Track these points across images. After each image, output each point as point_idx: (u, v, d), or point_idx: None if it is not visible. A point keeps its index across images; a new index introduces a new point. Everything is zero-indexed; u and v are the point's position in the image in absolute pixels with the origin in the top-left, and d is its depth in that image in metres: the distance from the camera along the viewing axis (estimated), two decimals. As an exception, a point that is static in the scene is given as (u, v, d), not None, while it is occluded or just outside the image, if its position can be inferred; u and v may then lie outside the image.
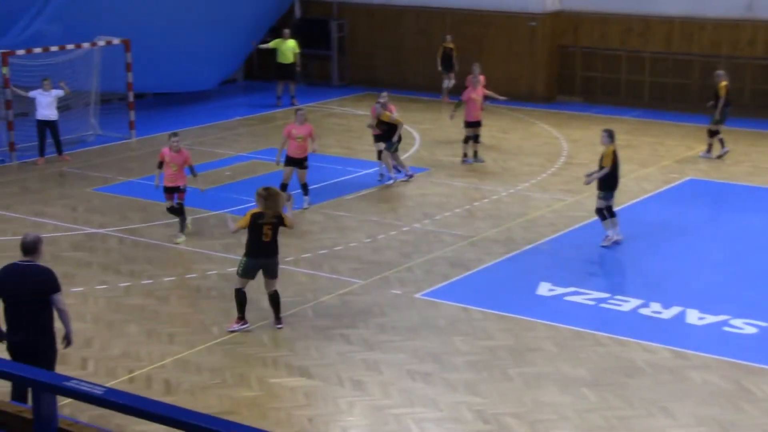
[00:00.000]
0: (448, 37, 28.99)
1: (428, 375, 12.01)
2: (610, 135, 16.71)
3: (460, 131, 22.83)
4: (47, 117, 21.66)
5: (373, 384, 11.77)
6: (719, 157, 22.41)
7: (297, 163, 18.46)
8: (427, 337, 13.15)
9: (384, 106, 20.40)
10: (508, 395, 11.53)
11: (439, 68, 28.85)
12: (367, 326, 13.46)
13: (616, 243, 16.76)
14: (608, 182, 16.58)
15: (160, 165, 16.75)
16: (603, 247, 16.63)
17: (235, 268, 13.62)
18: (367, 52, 31.33)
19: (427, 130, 25.60)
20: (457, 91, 28.61)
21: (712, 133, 22.59)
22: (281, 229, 13.18)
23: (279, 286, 13.40)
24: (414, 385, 11.78)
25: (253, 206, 13.41)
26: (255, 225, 12.97)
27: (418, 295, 14.59)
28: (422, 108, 28.22)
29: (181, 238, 16.80)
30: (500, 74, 28.77)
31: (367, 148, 23.32)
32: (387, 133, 20.23)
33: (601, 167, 16.56)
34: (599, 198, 16.73)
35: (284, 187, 18.34)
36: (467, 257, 16.20)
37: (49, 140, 21.89)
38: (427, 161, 22.36)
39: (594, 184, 16.88)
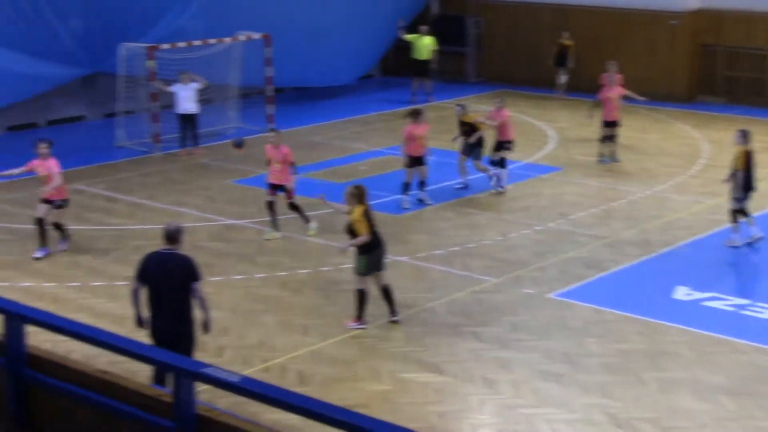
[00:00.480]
0: (565, 34, 28.72)
1: (560, 376, 11.88)
2: (743, 135, 16.31)
3: (595, 130, 22.51)
4: (187, 110, 22.19)
5: (505, 382, 11.70)
6: None
7: (419, 161, 18.49)
8: (560, 337, 13.01)
9: (464, 108, 19.85)
10: (642, 399, 11.31)
11: (552, 64, 28.65)
12: (499, 324, 13.39)
13: (750, 245, 16.35)
14: (743, 184, 16.15)
15: (269, 162, 16.82)
16: (730, 247, 16.32)
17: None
18: (503, 49, 31.17)
19: (562, 128, 25.31)
20: (571, 88, 28.38)
21: None
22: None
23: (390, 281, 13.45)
24: (546, 385, 11.66)
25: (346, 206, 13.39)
26: (369, 222, 13.01)
27: (551, 295, 14.44)
28: (558, 106, 27.92)
29: (313, 230, 16.87)
30: (638, 73, 28.25)
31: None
32: (467, 135, 19.49)
33: (736, 169, 16.16)
34: (732, 199, 16.32)
35: (407, 186, 18.43)
36: (602, 258, 15.96)
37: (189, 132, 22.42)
38: (562, 160, 22.12)
39: (730, 185, 16.48)
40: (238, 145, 14.07)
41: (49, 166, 15.47)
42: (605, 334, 13.11)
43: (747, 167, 16.16)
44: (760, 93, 27.63)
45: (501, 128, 19.55)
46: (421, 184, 18.79)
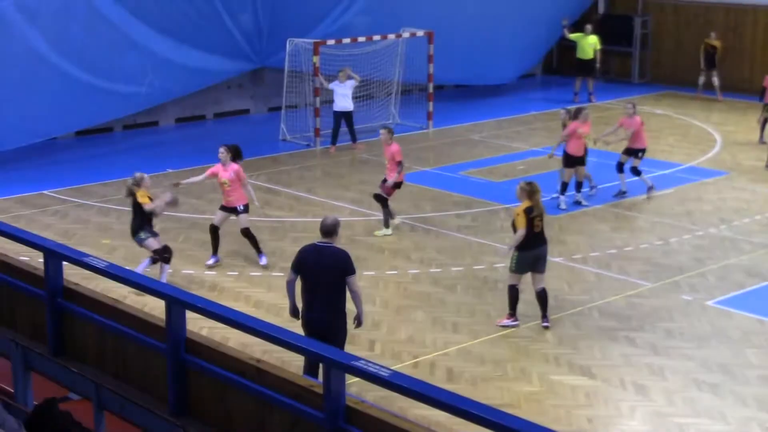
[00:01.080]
0: (713, 34, 27.82)
1: (716, 386, 11.58)
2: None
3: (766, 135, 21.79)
4: (343, 108, 22.42)
5: (657, 390, 11.48)
6: None
7: (579, 161, 18.27)
8: (718, 346, 12.67)
9: (570, 113, 18.86)
10: (802, 415, 10.92)
11: (702, 65, 27.78)
12: (654, 330, 13.13)
13: None
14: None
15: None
16: None
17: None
18: (671, 49, 30.46)
19: (729, 132, 24.58)
20: (743, 90, 27.42)
21: None
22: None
23: (546, 283, 13.30)
24: (700, 395, 11.38)
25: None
26: (529, 219, 12.97)
27: (710, 303, 14.07)
28: (725, 109, 27.13)
29: (382, 232, 16.85)
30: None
31: (665, 147, 22.71)
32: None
33: None
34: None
35: (565, 186, 18.23)
36: (765, 267, 15.44)
37: (344, 128, 22.70)
38: (728, 164, 21.49)
39: None
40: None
41: (230, 172, 15.12)
42: (766, 345, 12.70)
43: None
44: None
45: (634, 136, 18.93)
46: (578, 186, 18.57)
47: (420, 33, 24.52)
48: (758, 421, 10.77)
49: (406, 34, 24.52)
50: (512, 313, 13.28)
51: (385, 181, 16.89)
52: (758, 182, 20.16)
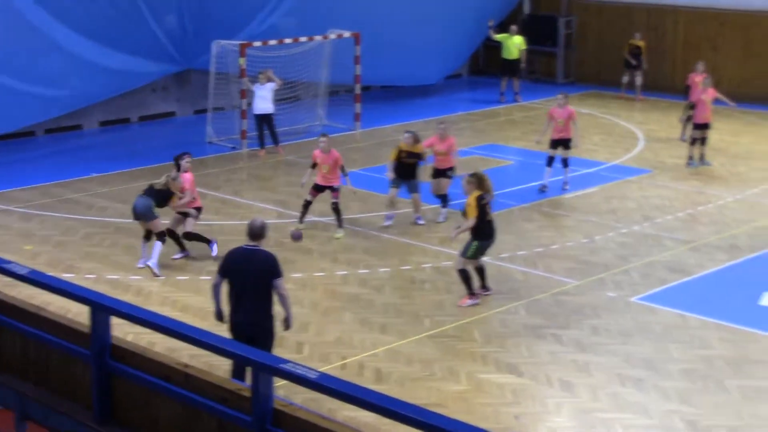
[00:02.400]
0: (637, 35, 28.31)
1: (640, 381, 11.77)
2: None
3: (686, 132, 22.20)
4: (262, 110, 22.18)
5: (583, 386, 11.64)
6: None
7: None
8: (641, 342, 12.89)
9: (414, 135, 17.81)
10: (723, 407, 11.15)
11: (630, 64, 28.24)
12: (579, 327, 13.31)
13: None
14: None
15: (314, 166, 16.88)
16: None
17: (449, 263, 13.77)
18: (594, 49, 30.88)
19: (651, 130, 25.00)
20: (667, 90, 27.85)
21: None
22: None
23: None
24: (624, 390, 11.57)
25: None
26: (481, 207, 13.49)
27: (633, 299, 14.30)
28: (648, 108, 27.58)
29: (341, 233, 16.89)
30: (733, 74, 27.77)
31: (590, 146, 23.01)
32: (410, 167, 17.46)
33: None
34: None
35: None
36: (687, 262, 15.75)
37: (267, 131, 22.56)
38: (651, 162, 21.85)
39: None
40: (297, 238, 14.55)
41: (183, 181, 15.39)
42: (688, 339, 12.95)
43: None
44: None
45: (565, 126, 19.28)
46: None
47: (347, 34, 24.54)
48: (680, 415, 10.98)
49: (332, 36, 24.52)
50: (471, 292, 13.75)
51: (331, 188, 16.82)
52: (680, 180, 20.54)
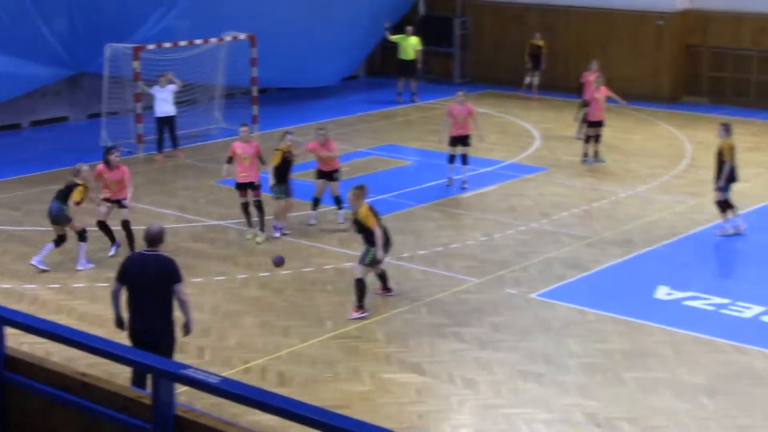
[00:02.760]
0: (537, 35, 28.78)
1: (540, 376, 11.94)
2: (726, 129, 16.81)
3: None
4: (164, 113, 21.98)
5: (485, 383, 11.75)
6: None
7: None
8: (541, 337, 13.07)
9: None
10: (621, 399, 11.38)
11: (527, 65, 28.65)
12: (480, 325, 13.44)
13: (738, 234, 16.60)
14: (729, 176, 16.67)
15: (230, 160, 16.68)
16: (719, 235, 16.92)
17: (350, 264, 13.79)
18: (490, 49, 31.23)
19: (547, 129, 25.38)
20: (560, 89, 28.33)
21: None
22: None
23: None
24: (525, 385, 11.72)
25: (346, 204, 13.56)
26: (375, 214, 13.59)
27: (533, 295, 14.50)
28: (543, 106, 28.00)
29: (261, 237, 16.74)
30: (623, 73, 28.39)
31: (487, 145, 23.24)
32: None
33: (722, 162, 16.42)
34: (717, 191, 16.77)
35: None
36: (584, 258, 16.03)
37: (168, 134, 22.30)
38: (547, 160, 22.18)
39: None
40: (279, 263, 14.32)
41: (122, 173, 15.86)
42: (586, 334, 13.18)
43: (733, 159, 16.53)
44: (745, 93, 27.76)
45: (464, 123, 19.56)
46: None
47: (242, 36, 24.37)
48: (580, 408, 11.16)
49: (228, 38, 24.32)
50: (360, 305, 13.59)
51: (249, 184, 16.63)
52: (575, 177, 20.89)
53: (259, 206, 16.71)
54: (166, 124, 22.08)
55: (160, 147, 22.30)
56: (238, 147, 16.66)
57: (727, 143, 16.70)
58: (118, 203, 15.82)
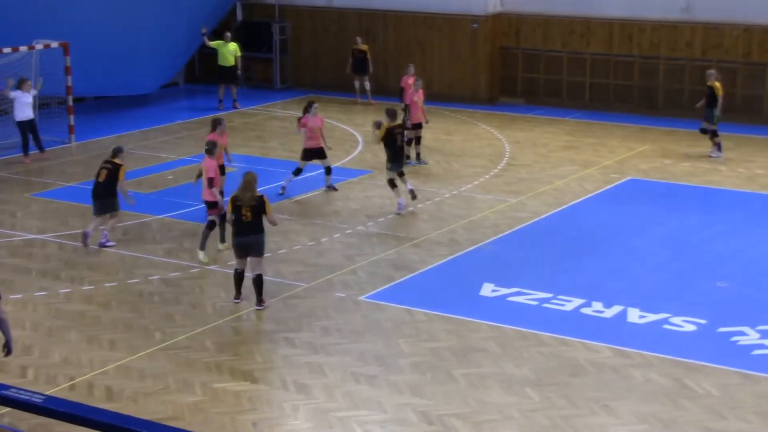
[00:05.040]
0: (359, 39, 29.05)
1: (373, 377, 12.01)
2: (389, 114, 18.75)
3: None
4: (27, 117, 22.08)
5: (318, 387, 11.75)
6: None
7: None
8: (372, 339, 13.16)
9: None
10: (452, 396, 11.57)
11: (351, 71, 28.85)
12: (311, 329, 13.43)
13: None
14: (390, 156, 18.60)
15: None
16: (398, 214, 18.42)
17: (177, 273, 13.62)
18: (309, 54, 31.29)
19: (369, 132, 25.57)
20: (379, 92, 28.69)
21: (706, 131, 22.84)
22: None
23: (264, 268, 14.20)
24: (358, 387, 11.77)
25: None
26: (236, 207, 13.96)
27: (362, 298, 14.58)
28: (364, 110, 28.22)
29: (223, 246, 16.43)
30: (443, 76, 28.98)
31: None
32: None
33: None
34: (387, 170, 18.66)
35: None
36: (411, 259, 16.23)
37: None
38: (371, 163, 22.37)
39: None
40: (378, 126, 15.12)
41: None
42: (416, 333, 13.34)
43: (393, 141, 18.60)
44: (557, 94, 28.70)
45: (315, 134, 19.69)
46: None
47: (54, 44, 23.65)
48: (412, 406, 11.29)
49: (39, 46, 23.56)
50: (238, 293, 14.23)
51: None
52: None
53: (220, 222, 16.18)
54: (28, 127, 21.98)
55: (25, 150, 22.15)
56: (218, 137, 17.16)
57: (383, 128, 18.47)
58: None
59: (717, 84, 22.67)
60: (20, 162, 22.02)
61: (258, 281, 14.10)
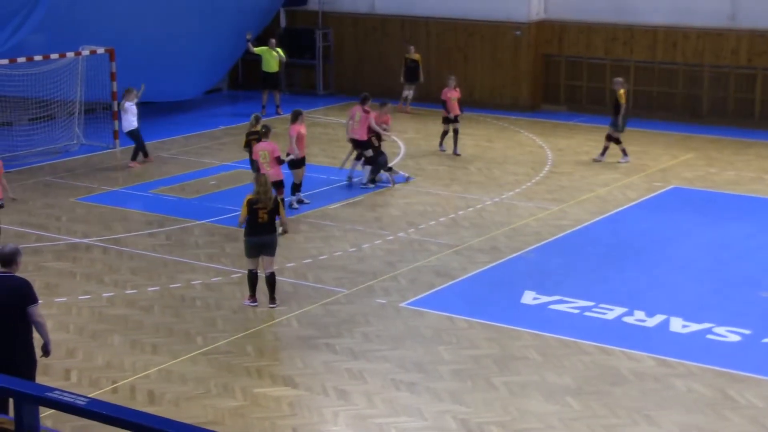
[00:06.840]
0: (411, 48, 29.02)
1: (413, 384, 12.01)
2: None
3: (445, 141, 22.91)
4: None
5: (358, 393, 11.76)
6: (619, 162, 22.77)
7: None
8: (412, 346, 13.15)
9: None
10: (492, 404, 11.53)
11: (401, 80, 28.83)
12: (351, 336, 13.45)
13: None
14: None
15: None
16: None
17: (218, 278, 13.71)
18: (352, 61, 31.36)
19: (412, 139, 25.61)
20: (420, 99, 28.68)
21: (611, 138, 22.79)
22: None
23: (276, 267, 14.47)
24: (398, 394, 11.77)
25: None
26: (253, 210, 14.09)
27: (403, 304, 14.58)
28: (407, 117, 28.23)
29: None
30: (485, 83, 28.94)
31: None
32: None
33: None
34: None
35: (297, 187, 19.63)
36: (452, 266, 16.21)
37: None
38: (412, 170, 22.37)
39: None
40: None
41: None
42: (456, 341, 13.31)
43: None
44: (600, 101, 28.54)
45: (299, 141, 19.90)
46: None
47: (100, 50, 23.89)
48: (452, 414, 11.27)
49: (85, 52, 23.81)
50: (252, 294, 14.28)
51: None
52: (440, 186, 21.12)
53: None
54: (137, 133, 22.63)
55: (144, 153, 22.81)
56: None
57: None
58: None
59: (621, 92, 22.58)
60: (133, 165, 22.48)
61: (271, 280, 14.32)
